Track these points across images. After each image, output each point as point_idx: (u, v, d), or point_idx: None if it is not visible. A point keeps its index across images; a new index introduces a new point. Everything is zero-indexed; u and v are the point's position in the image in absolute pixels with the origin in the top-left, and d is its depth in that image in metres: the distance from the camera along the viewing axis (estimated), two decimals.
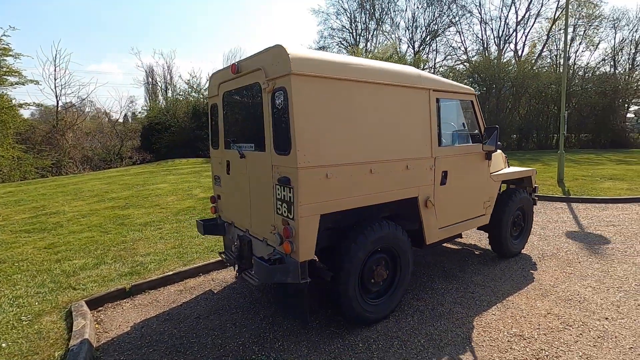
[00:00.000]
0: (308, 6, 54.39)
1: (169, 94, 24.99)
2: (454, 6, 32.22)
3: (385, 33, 34.40)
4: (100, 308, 3.71)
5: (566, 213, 7.11)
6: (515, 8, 31.54)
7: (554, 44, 31.10)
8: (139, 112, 30.50)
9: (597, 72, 27.02)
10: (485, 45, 32.87)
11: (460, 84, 3.94)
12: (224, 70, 3.48)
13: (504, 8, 34.09)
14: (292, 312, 3.09)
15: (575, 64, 28.77)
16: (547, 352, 2.79)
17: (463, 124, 4.10)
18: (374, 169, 2.97)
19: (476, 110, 4.03)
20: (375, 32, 35.12)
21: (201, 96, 23.51)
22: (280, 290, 3.09)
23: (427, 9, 32.89)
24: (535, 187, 5.05)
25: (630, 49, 28.93)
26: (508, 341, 2.95)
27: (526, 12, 30.96)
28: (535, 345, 2.88)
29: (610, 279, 4.06)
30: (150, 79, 35.17)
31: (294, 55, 2.52)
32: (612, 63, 29.14)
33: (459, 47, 33.48)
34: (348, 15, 35.21)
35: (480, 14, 32.32)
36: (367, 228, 3.00)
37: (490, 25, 33.68)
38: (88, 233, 6.21)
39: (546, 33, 30.78)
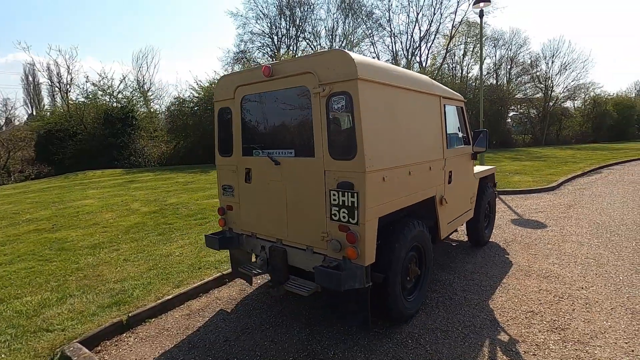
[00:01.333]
0: (225, 8, 52.55)
1: (73, 97, 21.66)
2: (368, 21, 34.62)
3: (307, 40, 35.23)
4: (97, 348, 3.14)
5: (499, 204, 8.24)
6: (419, 25, 35.16)
7: (451, 57, 35.60)
8: (38, 115, 25.85)
9: (486, 83, 31.70)
10: (395, 57, 35.92)
11: (455, 92, 4.36)
12: (244, 73, 3.28)
13: (410, 24, 37.70)
14: (351, 318, 3.06)
15: (467, 75, 33.39)
16: (559, 322, 3.27)
17: (458, 127, 4.53)
18: (412, 170, 3.13)
19: (465, 115, 4.50)
20: (296, 39, 35.69)
21: (114, 100, 21.03)
22: (338, 297, 3.00)
23: (346, 21, 34.69)
24: (495, 182, 5.81)
25: (507, 65, 34.74)
26: (525, 317, 3.37)
27: (427, 29, 34.76)
28: (547, 318, 3.34)
29: (565, 256, 4.88)
30: (31, 78, 29.99)
31: (358, 60, 2.54)
32: (494, 76, 34.59)
33: (373, 58, 36.00)
34: (268, 20, 35.14)
35: (390, 29, 35.20)
36: (405, 228, 3.13)
37: (400, 39, 36.93)
38: (23, 264, 5.14)
39: (445, 48, 34.98)
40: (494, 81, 33.67)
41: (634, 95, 44.11)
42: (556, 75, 30.95)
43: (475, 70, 34.77)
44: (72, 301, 3.91)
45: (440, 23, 34.60)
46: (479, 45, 34.71)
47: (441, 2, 33.53)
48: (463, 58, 35.61)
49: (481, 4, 11.11)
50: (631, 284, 3.98)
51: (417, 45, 35.30)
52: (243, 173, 3.45)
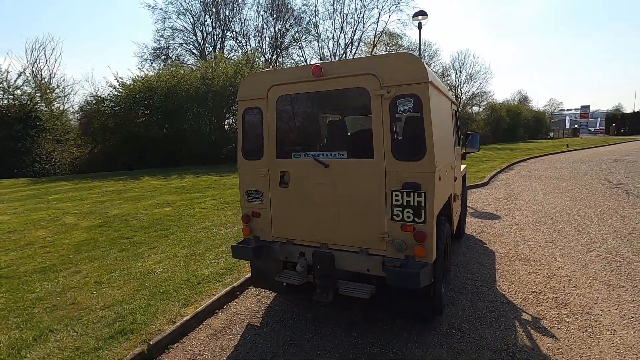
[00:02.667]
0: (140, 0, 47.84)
1: None
2: (297, 26, 34.99)
3: (236, 40, 34.12)
4: None
5: None
6: (344, 32, 36.74)
7: None
8: None
9: None
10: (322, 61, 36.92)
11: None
12: (282, 71, 3.11)
13: (335, 30, 39.15)
14: (413, 315, 3.09)
15: None
16: (560, 299, 3.77)
17: (455, 130, 4.90)
18: (447, 170, 3.32)
19: (457, 118, 4.90)
20: (222, 38, 34.35)
21: (10, 96, 17.69)
22: (400, 295, 3.00)
23: (276, 24, 34.48)
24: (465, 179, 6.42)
25: None
26: (533, 298, 3.81)
27: (352, 37, 36.51)
28: (549, 296, 3.83)
29: (530, 242, 5.62)
30: None
31: (425, 64, 2.61)
32: None
33: (302, 62, 36.49)
34: (191, 16, 33.19)
35: (317, 34, 36.11)
36: (441, 225, 3.30)
37: (327, 44, 38.07)
38: None
39: (369, 55, 37.11)
40: None
41: (517, 101, 52.19)
42: (463, 84, 35.15)
43: None
44: (57, 337, 3.25)
45: (363, 32, 36.66)
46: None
47: (364, 13, 35.54)
48: None
49: (419, 17, 12.10)
50: (591, 260, 4.76)
51: (343, 51, 36.80)
52: (277, 177, 3.27)
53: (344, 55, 36.94)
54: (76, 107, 21.61)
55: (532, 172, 13.70)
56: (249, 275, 4.36)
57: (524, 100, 53.06)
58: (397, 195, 2.77)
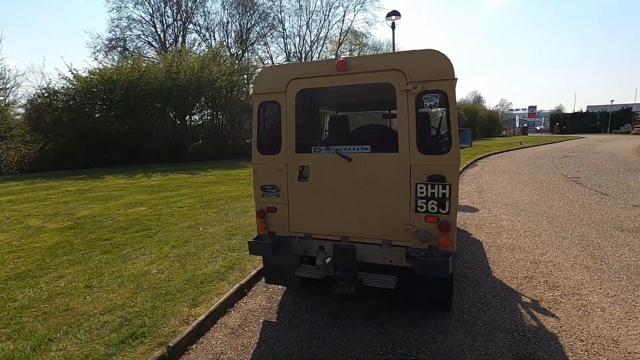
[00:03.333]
0: None
1: None
2: (262, 22, 34.41)
3: (199, 33, 32.90)
4: None
5: None
6: (310, 29, 36.73)
7: None
8: None
9: None
10: (288, 59, 36.62)
11: None
12: (303, 65, 3.09)
13: (302, 27, 39.02)
14: (436, 303, 3.19)
15: None
16: (550, 282, 4.08)
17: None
18: None
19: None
20: (184, 30, 32.99)
21: None
22: (424, 284, 3.09)
23: (241, 18, 33.65)
24: None
25: None
26: (529, 282, 4.09)
27: (317, 34, 36.58)
28: (541, 280, 4.14)
29: (510, 231, 6.02)
30: None
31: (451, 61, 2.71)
32: None
33: (268, 58, 36.05)
34: (150, 6, 31.54)
35: (283, 29, 35.78)
36: None
37: (293, 41, 37.82)
38: None
39: (334, 53, 37.38)
40: None
41: (472, 101, 55.11)
42: None
43: None
44: (59, 345, 3.02)
45: (329, 30, 36.88)
46: (364, 53, 38.29)
47: (329, 10, 35.71)
48: None
49: (393, 17, 12.42)
50: (568, 247, 5.20)
51: (309, 49, 36.79)
52: (296, 171, 3.25)
53: (310, 52, 36.94)
54: (23, 101, 19.83)
55: (496, 168, 14.59)
56: (254, 272, 4.30)
57: (478, 100, 56.22)
58: (421, 188, 2.86)
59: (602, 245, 5.23)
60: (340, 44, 36.31)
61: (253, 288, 4.10)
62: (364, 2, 35.90)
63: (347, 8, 39.02)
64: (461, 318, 3.35)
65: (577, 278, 4.16)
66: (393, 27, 12.62)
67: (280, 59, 37.14)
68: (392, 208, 2.97)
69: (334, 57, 38.14)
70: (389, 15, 12.48)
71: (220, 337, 3.18)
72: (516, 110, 72.09)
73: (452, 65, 2.70)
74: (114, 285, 4.16)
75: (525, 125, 54.26)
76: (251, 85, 26.95)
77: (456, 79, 2.74)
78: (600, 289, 3.88)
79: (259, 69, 30.32)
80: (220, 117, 23.24)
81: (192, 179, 14.03)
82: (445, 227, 2.82)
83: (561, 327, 3.19)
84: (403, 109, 2.84)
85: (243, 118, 25.42)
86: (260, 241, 3.33)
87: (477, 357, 2.80)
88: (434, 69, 2.72)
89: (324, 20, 35.90)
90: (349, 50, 38.66)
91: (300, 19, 36.95)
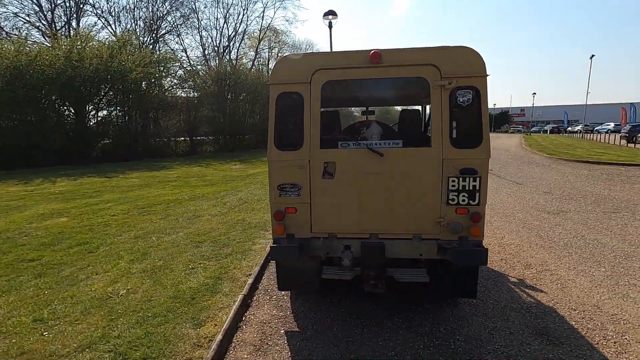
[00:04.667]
0: None
1: None
2: (175, 12, 31.81)
3: (100, 17, 28.87)
4: None
5: None
6: (227, 23, 35.19)
7: (259, 60, 37.51)
8: None
9: None
10: (204, 52, 34.62)
11: None
12: (332, 55, 2.88)
13: (218, 20, 37.04)
14: (464, 291, 3.24)
15: None
16: (523, 261, 4.58)
17: None
18: None
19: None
20: (77, 12, 28.63)
21: None
22: (456, 275, 3.14)
23: (152, 5, 30.49)
24: None
25: None
26: (506, 264, 4.53)
27: (235, 29, 35.24)
28: (515, 260, 4.62)
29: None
30: None
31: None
32: None
33: (182, 51, 33.49)
34: None
35: (198, 22, 33.60)
36: None
37: (210, 34, 35.72)
38: None
39: (254, 49, 36.54)
40: None
41: None
42: None
43: None
44: None
45: (247, 25, 35.84)
46: (282, 52, 38.17)
47: (248, 5, 34.71)
48: (269, 62, 38.20)
49: (330, 16, 12.61)
50: (517, 230, 5.92)
51: (227, 44, 35.28)
52: (320, 168, 3.04)
53: (229, 47, 35.46)
54: None
55: None
56: (250, 280, 3.93)
57: None
58: (453, 181, 2.93)
59: (540, 226, 6.08)
60: (260, 41, 35.59)
61: (254, 298, 3.75)
62: (283, 0, 35.72)
63: (267, 5, 38.34)
64: (472, 303, 3.55)
65: (540, 256, 4.76)
66: (330, 26, 12.79)
67: (196, 53, 34.87)
68: (423, 202, 2.99)
69: (253, 53, 37.32)
70: (326, 14, 12.60)
71: (246, 356, 2.82)
72: None
73: (484, 62, 2.82)
74: (75, 314, 3.39)
75: None
76: (169, 79, 24.73)
77: (488, 75, 2.87)
78: (561, 263, 4.50)
79: (179, 63, 28.00)
80: (134, 113, 20.80)
81: (111, 182, 12.30)
82: (477, 218, 2.94)
83: (552, 299, 3.60)
84: (437, 104, 2.87)
85: (160, 114, 23.22)
86: (286, 245, 3.05)
87: (504, 337, 2.99)
88: (467, 65, 2.80)
89: (243, 14, 34.79)
90: (268, 48, 38.19)
91: (217, 12, 35.09)
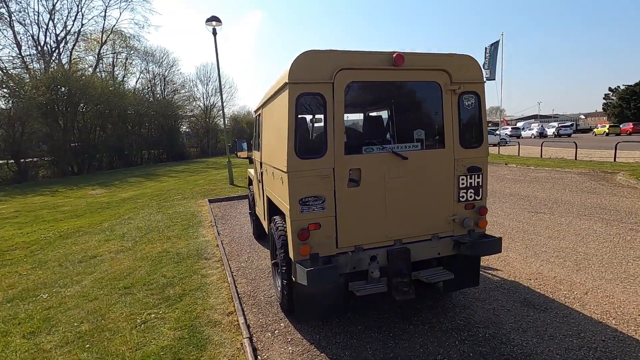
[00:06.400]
0: None
1: None
2: None
3: None
4: None
5: None
6: (53, 20, 28.90)
7: (102, 65, 32.19)
8: None
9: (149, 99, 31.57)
10: (21, 55, 27.53)
11: None
12: (354, 54, 2.63)
13: (42, 15, 29.94)
14: (471, 280, 3.33)
15: (122, 85, 31.22)
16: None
17: None
18: None
19: None
20: None
21: None
22: (467, 265, 3.24)
23: None
24: None
25: (162, 82, 36.24)
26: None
27: (66, 28, 29.29)
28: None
29: None
30: None
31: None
32: (151, 92, 35.03)
33: None
34: None
35: (9, 15, 26.43)
36: None
37: (31, 31, 28.42)
38: None
39: (93, 54, 31.17)
40: (152, 97, 34.08)
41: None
42: (211, 96, 36.19)
43: (132, 82, 33.66)
44: None
45: (83, 24, 30.22)
46: (131, 58, 33.74)
47: (83, 2, 29.40)
48: (114, 68, 33.20)
49: (213, 23, 11.91)
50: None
51: (55, 44, 28.97)
52: (345, 176, 2.75)
53: (57, 49, 29.18)
54: None
55: None
56: (242, 319, 3.25)
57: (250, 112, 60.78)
58: (462, 179, 3.11)
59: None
60: (103, 44, 30.55)
61: (259, 338, 3.11)
62: (130, 1, 31.70)
63: (109, 4, 32.96)
64: (463, 292, 3.78)
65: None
66: (214, 33, 12.00)
67: (5, 52, 27.49)
68: (439, 201, 3.07)
69: (96, 57, 31.66)
70: (208, 20, 11.78)
71: None
72: None
73: (482, 70, 3.11)
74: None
75: None
76: None
77: (485, 82, 3.16)
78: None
79: None
80: None
81: None
82: (484, 211, 3.19)
83: (510, 275, 4.21)
84: (448, 107, 2.99)
85: None
86: (323, 267, 2.62)
87: (505, 312, 3.31)
88: (470, 72, 3.03)
89: (77, 12, 29.19)
90: (113, 52, 33.14)
91: (38, 5, 28.43)
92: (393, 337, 3.04)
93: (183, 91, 36.25)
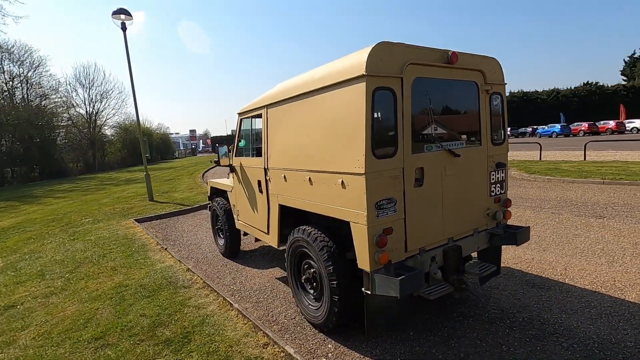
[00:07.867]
0: None
1: None
2: None
3: None
4: None
5: None
6: None
7: None
8: None
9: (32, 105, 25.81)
10: None
11: None
12: (420, 49, 2.53)
13: None
14: (495, 272, 3.41)
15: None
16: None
17: None
18: None
19: None
20: None
21: None
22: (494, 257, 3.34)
23: None
24: None
25: (24, 85, 29.92)
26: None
27: None
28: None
29: None
30: None
31: None
32: (9, 95, 28.63)
33: None
34: None
35: None
36: None
37: None
38: None
39: None
40: (10, 102, 27.92)
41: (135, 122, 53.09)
42: (96, 102, 31.20)
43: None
44: None
45: None
46: None
47: None
48: None
49: (122, 16, 10.42)
50: None
51: None
52: (412, 176, 2.61)
53: None
54: None
55: None
56: (292, 350, 2.79)
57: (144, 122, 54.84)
58: (493, 174, 3.26)
59: None
60: None
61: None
62: None
63: None
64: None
65: None
66: (124, 28, 10.41)
67: None
68: (477, 197, 3.16)
69: None
70: (115, 13, 10.17)
71: None
72: (176, 134, 76.35)
73: (503, 72, 3.33)
74: None
75: (193, 147, 59.05)
76: None
77: (506, 84, 3.39)
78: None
79: None
80: None
81: None
82: (509, 203, 3.40)
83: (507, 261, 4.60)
84: (483, 105, 3.11)
85: None
86: (410, 274, 2.41)
87: (523, 296, 3.59)
88: (497, 73, 3.21)
89: None
90: None
91: None
92: (449, 336, 3.00)
93: (54, 96, 30.44)
